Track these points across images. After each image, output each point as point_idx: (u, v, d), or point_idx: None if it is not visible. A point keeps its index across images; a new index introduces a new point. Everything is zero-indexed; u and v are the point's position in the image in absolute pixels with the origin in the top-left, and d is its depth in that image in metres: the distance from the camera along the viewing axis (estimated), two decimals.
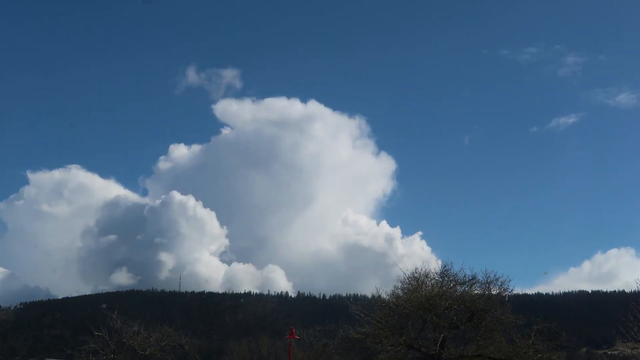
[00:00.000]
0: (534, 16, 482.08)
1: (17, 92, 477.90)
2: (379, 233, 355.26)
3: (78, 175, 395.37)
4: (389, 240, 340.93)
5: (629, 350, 52.00)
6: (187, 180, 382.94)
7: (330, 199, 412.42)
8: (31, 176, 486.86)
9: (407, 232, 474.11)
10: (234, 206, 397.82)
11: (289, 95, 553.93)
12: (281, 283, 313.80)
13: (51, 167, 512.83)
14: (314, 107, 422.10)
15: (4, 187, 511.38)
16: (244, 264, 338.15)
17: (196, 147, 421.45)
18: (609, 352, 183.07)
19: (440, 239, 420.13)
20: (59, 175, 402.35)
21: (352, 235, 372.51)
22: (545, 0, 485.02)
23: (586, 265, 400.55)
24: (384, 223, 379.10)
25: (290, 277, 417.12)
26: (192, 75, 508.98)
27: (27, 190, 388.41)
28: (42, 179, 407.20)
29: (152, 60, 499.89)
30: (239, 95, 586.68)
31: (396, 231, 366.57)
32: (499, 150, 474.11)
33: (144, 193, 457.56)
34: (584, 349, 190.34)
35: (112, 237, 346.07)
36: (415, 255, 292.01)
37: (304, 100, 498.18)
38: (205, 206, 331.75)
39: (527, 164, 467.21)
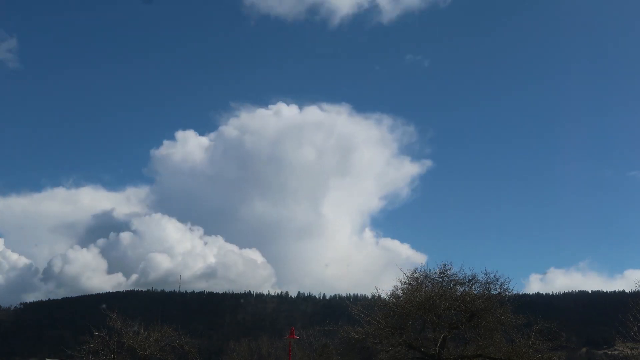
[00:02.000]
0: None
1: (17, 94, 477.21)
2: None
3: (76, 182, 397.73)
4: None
5: (629, 350, 51.83)
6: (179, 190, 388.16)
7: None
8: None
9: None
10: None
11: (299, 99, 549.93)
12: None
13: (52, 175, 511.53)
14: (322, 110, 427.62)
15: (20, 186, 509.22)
16: (215, 236, 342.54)
17: (194, 153, 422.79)
18: (609, 352, 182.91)
19: (443, 243, 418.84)
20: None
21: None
22: None
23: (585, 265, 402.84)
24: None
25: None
26: (194, 77, 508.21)
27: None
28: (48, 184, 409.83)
29: (154, 60, 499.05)
30: (245, 99, 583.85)
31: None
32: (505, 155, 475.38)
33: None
34: (584, 349, 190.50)
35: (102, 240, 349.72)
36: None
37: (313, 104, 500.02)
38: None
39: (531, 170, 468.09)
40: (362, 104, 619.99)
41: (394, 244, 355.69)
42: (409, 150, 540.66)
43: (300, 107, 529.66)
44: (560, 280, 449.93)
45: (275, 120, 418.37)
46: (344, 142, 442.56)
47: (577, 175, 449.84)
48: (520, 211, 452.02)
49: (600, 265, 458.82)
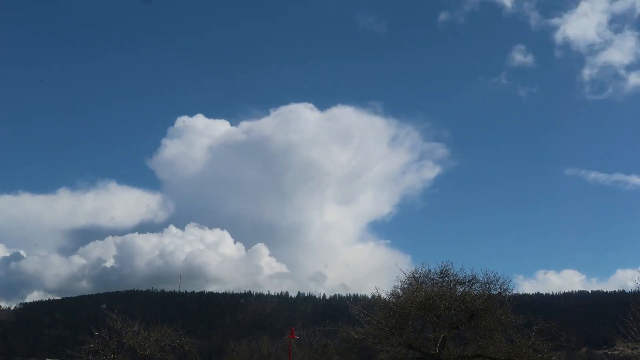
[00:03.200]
0: None
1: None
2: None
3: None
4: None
5: (629, 350, 51.94)
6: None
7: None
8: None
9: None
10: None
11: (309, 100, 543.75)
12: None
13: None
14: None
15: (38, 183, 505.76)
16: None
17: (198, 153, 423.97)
18: (609, 352, 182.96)
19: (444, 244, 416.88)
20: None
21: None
22: None
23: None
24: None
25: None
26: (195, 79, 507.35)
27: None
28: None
29: (156, 60, 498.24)
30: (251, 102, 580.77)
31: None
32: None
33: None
34: (584, 349, 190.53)
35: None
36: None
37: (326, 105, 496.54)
38: None
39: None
40: (393, 104, 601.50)
41: (395, 256, 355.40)
42: (430, 155, 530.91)
43: (321, 108, 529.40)
44: (545, 283, 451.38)
45: (290, 122, 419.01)
46: (360, 142, 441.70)
47: (572, 180, 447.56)
48: (513, 215, 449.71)
49: (588, 267, 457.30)
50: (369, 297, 52.17)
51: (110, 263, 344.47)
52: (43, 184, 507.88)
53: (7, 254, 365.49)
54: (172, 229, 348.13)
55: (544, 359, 41.46)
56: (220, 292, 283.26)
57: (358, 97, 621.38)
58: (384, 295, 46.75)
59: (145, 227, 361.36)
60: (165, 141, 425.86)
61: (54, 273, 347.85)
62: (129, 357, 51.70)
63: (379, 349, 44.81)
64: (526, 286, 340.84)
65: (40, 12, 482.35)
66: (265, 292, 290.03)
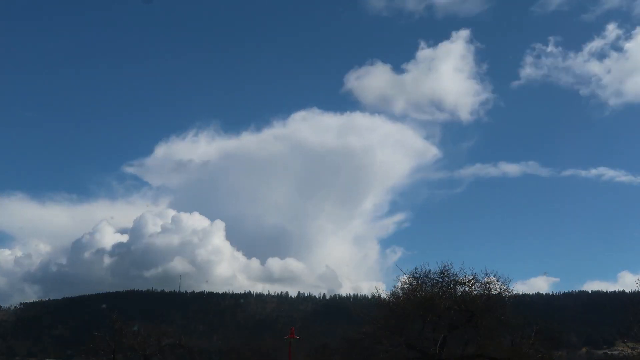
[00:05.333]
0: None
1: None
2: None
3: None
4: None
5: (629, 350, 52.01)
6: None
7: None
8: None
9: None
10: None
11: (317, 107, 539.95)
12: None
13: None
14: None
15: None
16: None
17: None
18: (609, 352, 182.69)
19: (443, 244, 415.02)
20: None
21: None
22: None
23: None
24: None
25: None
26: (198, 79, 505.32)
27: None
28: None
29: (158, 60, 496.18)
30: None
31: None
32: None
33: None
34: (584, 349, 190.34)
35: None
36: None
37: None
38: None
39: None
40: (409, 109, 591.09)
41: (397, 258, 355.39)
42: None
43: (337, 113, 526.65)
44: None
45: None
46: (373, 148, 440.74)
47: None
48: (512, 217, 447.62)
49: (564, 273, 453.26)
50: (369, 297, 52.29)
51: (110, 263, 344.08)
52: (42, 185, 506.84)
53: (7, 254, 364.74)
54: (173, 229, 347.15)
55: (544, 359, 41.51)
56: (220, 292, 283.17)
57: (373, 103, 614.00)
58: (383, 295, 46.85)
59: (145, 227, 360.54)
60: (165, 142, 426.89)
61: (54, 273, 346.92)
62: (129, 357, 51.79)
63: (379, 349, 44.84)
64: (525, 288, 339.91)
65: (39, 12, 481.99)
66: (265, 292, 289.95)
